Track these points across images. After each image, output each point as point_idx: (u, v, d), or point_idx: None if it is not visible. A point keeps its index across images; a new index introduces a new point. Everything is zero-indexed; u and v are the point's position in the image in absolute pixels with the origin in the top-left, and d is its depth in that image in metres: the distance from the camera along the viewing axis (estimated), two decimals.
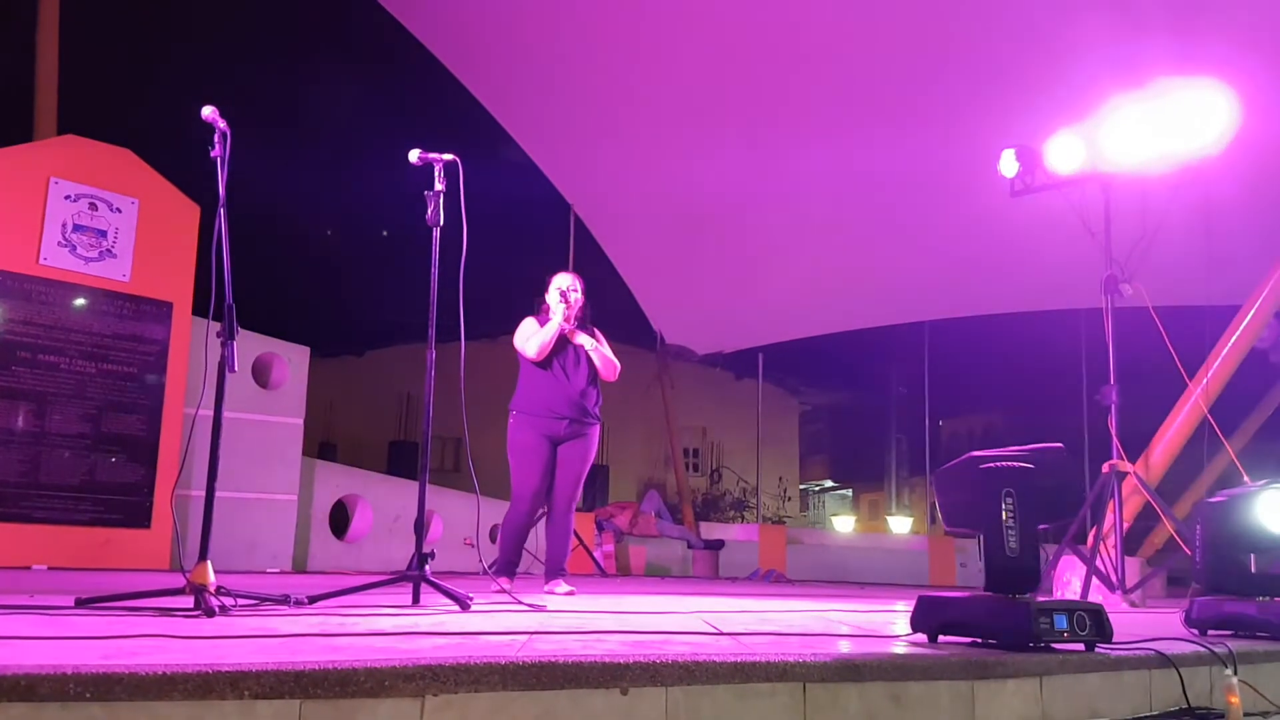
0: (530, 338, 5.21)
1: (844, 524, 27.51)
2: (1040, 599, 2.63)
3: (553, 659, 1.89)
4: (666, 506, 13.44)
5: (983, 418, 30.02)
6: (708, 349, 15.38)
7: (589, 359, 5.28)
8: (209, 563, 3.02)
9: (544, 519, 5.47)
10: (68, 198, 6.88)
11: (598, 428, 5.31)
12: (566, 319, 5.23)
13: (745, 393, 21.16)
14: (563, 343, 5.23)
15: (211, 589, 2.97)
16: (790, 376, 25.78)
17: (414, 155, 3.98)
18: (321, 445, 18.83)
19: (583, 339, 5.27)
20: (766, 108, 9.83)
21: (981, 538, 2.68)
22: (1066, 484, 2.71)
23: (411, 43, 10.05)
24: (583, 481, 5.28)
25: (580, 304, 5.30)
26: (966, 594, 2.71)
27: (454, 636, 2.42)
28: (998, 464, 2.66)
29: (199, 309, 7.33)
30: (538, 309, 5.38)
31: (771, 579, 10.93)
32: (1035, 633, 2.52)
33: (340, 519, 9.09)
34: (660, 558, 11.62)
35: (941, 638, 2.71)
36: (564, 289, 5.26)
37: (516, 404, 5.23)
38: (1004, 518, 2.61)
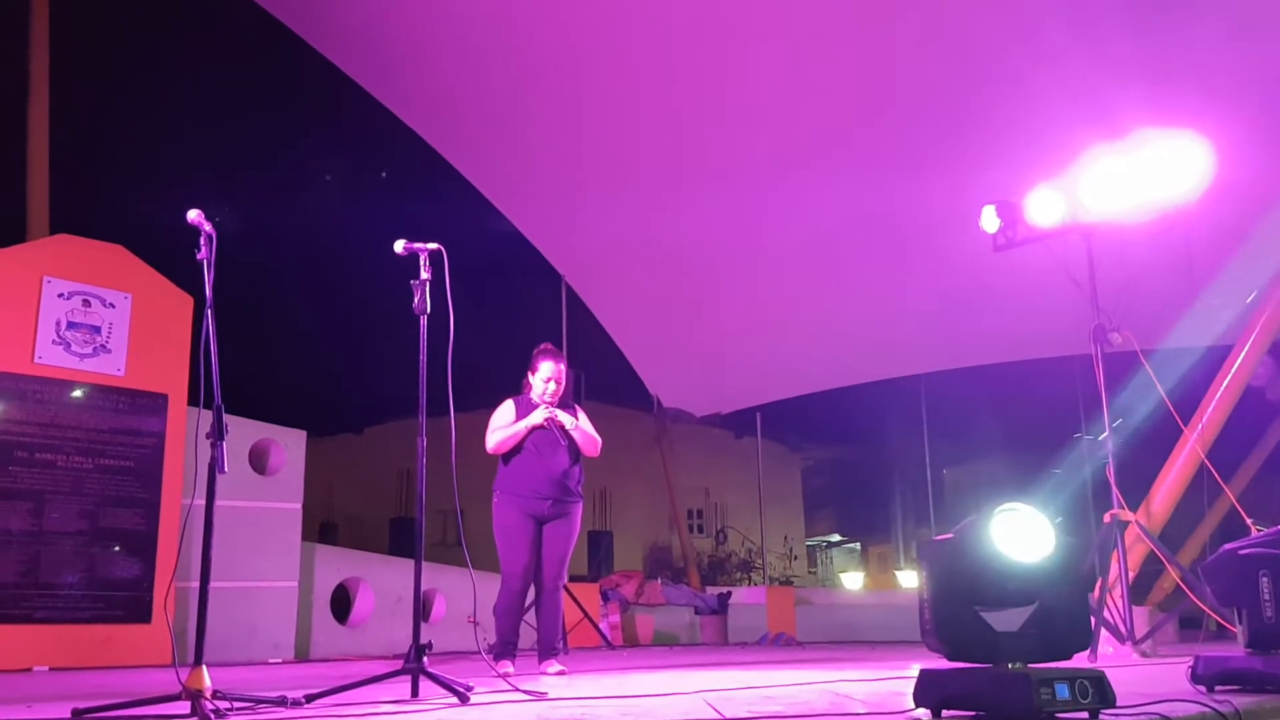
0: (495, 430, 5.21)
1: (852, 580, 27.25)
2: (1041, 667, 2.62)
3: None
4: (671, 571, 13.33)
5: (986, 465, 29.88)
6: (705, 410, 15.37)
7: (570, 438, 5.27)
8: (204, 668, 3.00)
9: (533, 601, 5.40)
10: (61, 295, 6.93)
11: (580, 505, 5.29)
12: (547, 407, 5.21)
13: (746, 451, 21.08)
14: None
15: (207, 694, 2.95)
16: (790, 432, 25.70)
17: (399, 246, 4.03)
18: (322, 526, 18.76)
19: (564, 418, 5.24)
20: (753, 170, 9.94)
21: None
22: None
23: (399, 125, 10.20)
24: (567, 560, 5.25)
25: (561, 389, 5.28)
26: (966, 666, 2.69)
27: None
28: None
29: (195, 399, 7.31)
30: (521, 388, 5.38)
31: (781, 642, 10.83)
32: (1037, 704, 2.50)
33: (342, 601, 9.00)
34: (668, 625, 11.53)
35: (945, 712, 2.69)
36: (550, 378, 5.24)
37: (500, 485, 5.22)
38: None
